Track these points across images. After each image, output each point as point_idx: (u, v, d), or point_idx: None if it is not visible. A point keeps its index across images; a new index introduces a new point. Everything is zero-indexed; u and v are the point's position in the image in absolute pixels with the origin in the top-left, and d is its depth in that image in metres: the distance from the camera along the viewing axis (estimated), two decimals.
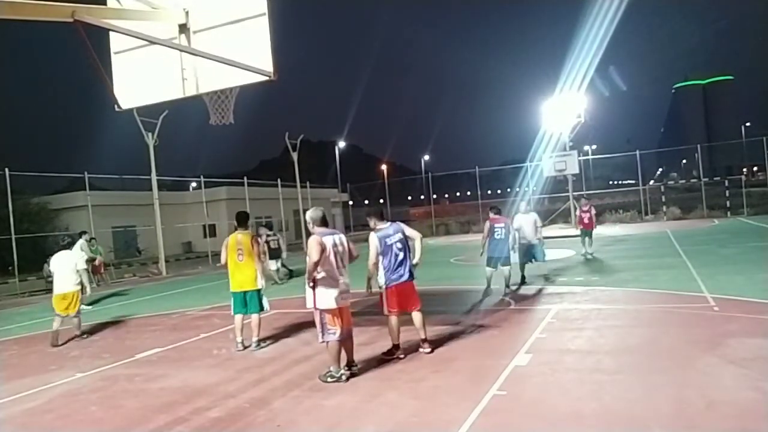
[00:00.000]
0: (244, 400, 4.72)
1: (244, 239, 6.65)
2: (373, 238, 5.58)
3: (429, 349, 5.67)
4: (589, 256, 13.78)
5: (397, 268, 5.59)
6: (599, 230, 25.01)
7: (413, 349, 5.81)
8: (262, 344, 6.80)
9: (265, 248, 11.48)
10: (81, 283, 8.14)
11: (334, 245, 5.08)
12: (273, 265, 12.98)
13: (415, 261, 5.76)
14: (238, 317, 6.74)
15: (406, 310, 5.68)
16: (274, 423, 4.16)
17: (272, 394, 4.83)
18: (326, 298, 5.01)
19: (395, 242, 5.61)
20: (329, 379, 5.03)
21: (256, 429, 4.09)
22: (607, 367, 4.88)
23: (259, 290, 6.72)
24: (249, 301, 6.68)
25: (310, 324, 7.63)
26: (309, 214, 5.26)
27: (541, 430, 3.72)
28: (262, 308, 6.77)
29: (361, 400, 4.51)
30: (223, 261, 6.72)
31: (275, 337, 7.24)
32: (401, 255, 5.61)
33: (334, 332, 5.04)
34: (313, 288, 5.04)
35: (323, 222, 5.22)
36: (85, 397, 5.25)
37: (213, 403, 4.71)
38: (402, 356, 5.57)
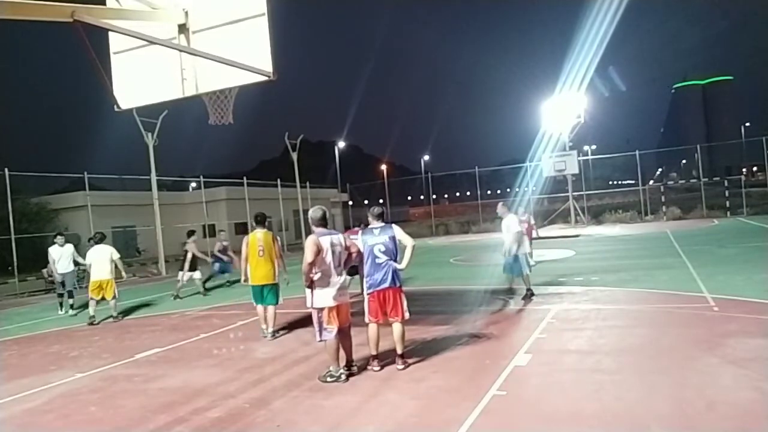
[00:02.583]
0: (244, 400, 4.72)
1: (265, 237, 7.20)
2: (358, 239, 5.41)
3: (402, 366, 5.23)
4: (532, 263, 12.09)
5: (375, 273, 5.20)
6: (600, 230, 25.16)
7: (414, 352, 5.81)
8: (277, 334, 7.26)
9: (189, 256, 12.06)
10: (116, 272, 9.70)
11: (332, 245, 5.09)
12: (197, 274, 12.35)
13: (401, 266, 5.24)
14: (260, 308, 7.28)
15: (387, 318, 5.29)
16: (274, 423, 4.16)
17: (272, 394, 4.83)
18: (323, 297, 5.06)
19: (377, 244, 5.22)
20: (329, 379, 5.03)
21: (256, 429, 4.09)
22: (607, 367, 4.88)
23: (276, 284, 7.27)
24: (266, 294, 7.22)
25: (310, 324, 7.65)
26: (309, 213, 5.28)
27: (541, 430, 3.72)
28: (277, 301, 7.31)
29: (361, 400, 4.51)
30: (243, 257, 7.24)
31: (275, 338, 7.25)
32: (382, 258, 5.19)
33: (331, 331, 5.07)
34: (311, 288, 5.08)
35: (322, 222, 5.21)
36: (84, 397, 5.25)
37: (213, 403, 4.71)
38: (377, 369, 5.24)
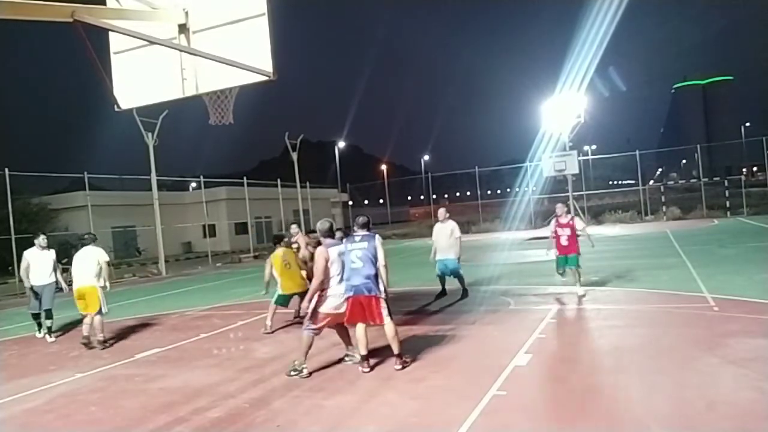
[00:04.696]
0: (244, 400, 4.73)
1: (287, 252, 7.78)
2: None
3: (400, 366, 5.20)
4: (581, 293, 8.29)
5: (351, 279, 5.24)
6: (600, 230, 25.03)
7: (414, 351, 5.81)
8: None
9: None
10: (102, 279, 7.52)
11: (340, 255, 5.34)
12: None
13: (383, 287, 5.25)
14: (273, 307, 7.67)
15: (369, 323, 5.28)
16: (274, 423, 4.16)
17: (272, 394, 4.84)
18: (331, 303, 5.28)
19: (354, 250, 5.27)
20: (292, 373, 5.21)
21: (256, 429, 4.09)
22: (607, 367, 4.88)
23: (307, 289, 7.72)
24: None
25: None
26: (317, 226, 5.61)
27: (541, 430, 3.72)
28: None
29: (360, 400, 4.51)
30: (267, 273, 7.74)
31: (275, 338, 7.26)
32: (357, 264, 5.22)
33: (315, 329, 5.32)
34: (321, 292, 5.31)
35: (329, 233, 5.49)
36: (85, 397, 5.25)
37: (213, 403, 4.71)
38: (366, 370, 5.21)
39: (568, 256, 8.42)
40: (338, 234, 6.31)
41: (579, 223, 8.62)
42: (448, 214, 9.29)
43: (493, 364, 5.13)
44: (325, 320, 5.31)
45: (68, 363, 6.76)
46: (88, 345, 7.29)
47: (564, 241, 8.44)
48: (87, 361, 6.79)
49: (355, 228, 5.53)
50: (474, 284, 10.47)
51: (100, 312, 7.36)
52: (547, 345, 5.77)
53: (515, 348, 5.62)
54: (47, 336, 8.34)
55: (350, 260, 5.27)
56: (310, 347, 5.30)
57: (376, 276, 5.24)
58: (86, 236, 8.02)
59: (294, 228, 8.90)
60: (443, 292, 9.29)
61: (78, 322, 9.64)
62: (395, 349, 5.30)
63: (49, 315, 8.35)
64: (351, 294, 5.25)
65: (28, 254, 8.42)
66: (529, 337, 6.07)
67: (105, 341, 7.33)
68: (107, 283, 7.66)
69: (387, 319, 5.25)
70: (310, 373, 5.23)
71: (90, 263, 7.49)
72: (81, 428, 4.47)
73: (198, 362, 6.32)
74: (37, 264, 8.33)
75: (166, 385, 5.44)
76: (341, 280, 5.30)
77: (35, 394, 5.48)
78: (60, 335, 8.61)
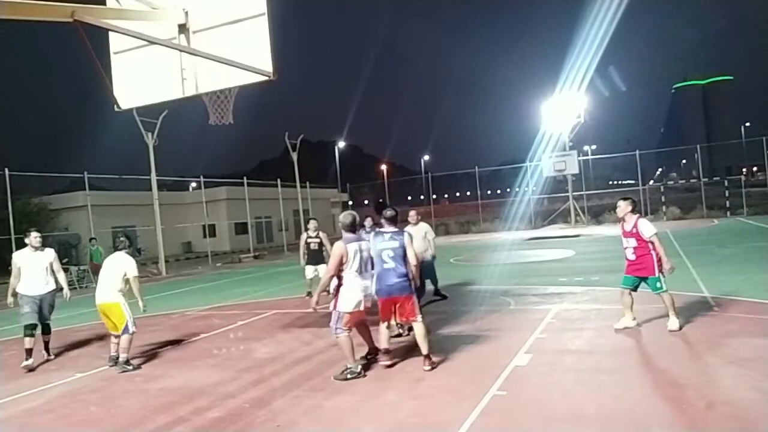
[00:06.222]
0: (244, 400, 4.72)
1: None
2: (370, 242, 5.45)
3: (429, 367, 5.11)
4: (673, 327, 5.90)
5: (384, 279, 5.21)
6: (600, 230, 25.05)
7: (414, 351, 5.81)
8: None
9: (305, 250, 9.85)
10: (127, 293, 6.41)
11: (360, 251, 5.20)
12: (310, 273, 9.81)
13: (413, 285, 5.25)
14: None
15: (400, 319, 5.38)
16: (274, 423, 4.16)
17: (272, 394, 4.83)
18: (348, 301, 5.14)
19: (386, 249, 5.22)
20: (349, 376, 5.01)
21: (256, 429, 4.09)
22: (607, 367, 4.88)
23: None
24: None
25: (310, 324, 7.67)
26: (339, 218, 5.42)
27: (541, 430, 3.72)
28: None
29: (360, 400, 4.51)
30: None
31: (275, 338, 7.26)
32: (390, 264, 5.19)
33: (345, 330, 5.16)
34: (337, 289, 5.20)
35: (351, 228, 5.31)
36: (85, 397, 5.25)
37: (213, 403, 4.71)
38: (387, 363, 5.27)
39: (641, 279, 6.07)
40: (368, 222, 6.09)
41: (646, 228, 5.96)
42: (419, 217, 9.10)
43: (493, 364, 5.12)
44: (350, 319, 5.17)
45: (68, 363, 6.76)
46: (115, 364, 6.24)
47: (631, 255, 6.04)
48: (87, 361, 6.78)
49: (383, 221, 5.46)
50: (474, 284, 10.48)
51: (126, 330, 6.21)
52: (547, 345, 5.77)
53: (515, 348, 5.61)
54: (44, 353, 7.00)
55: (382, 260, 5.22)
56: (353, 346, 5.15)
57: (407, 274, 5.23)
58: (120, 240, 6.70)
59: (313, 223, 8.76)
60: (437, 293, 9.22)
61: (76, 321, 9.67)
62: (424, 350, 5.19)
63: (46, 329, 7.03)
64: (385, 296, 5.23)
65: (18, 257, 6.83)
66: (529, 337, 6.06)
67: (127, 362, 6.15)
68: (141, 303, 6.46)
69: (419, 318, 5.22)
70: (365, 374, 5.10)
71: (115, 275, 6.33)
72: (81, 428, 4.47)
73: (198, 362, 6.32)
74: (31, 268, 6.74)
75: (166, 385, 5.43)
76: (366, 277, 5.22)
77: (35, 394, 5.48)
78: (58, 333, 8.60)
